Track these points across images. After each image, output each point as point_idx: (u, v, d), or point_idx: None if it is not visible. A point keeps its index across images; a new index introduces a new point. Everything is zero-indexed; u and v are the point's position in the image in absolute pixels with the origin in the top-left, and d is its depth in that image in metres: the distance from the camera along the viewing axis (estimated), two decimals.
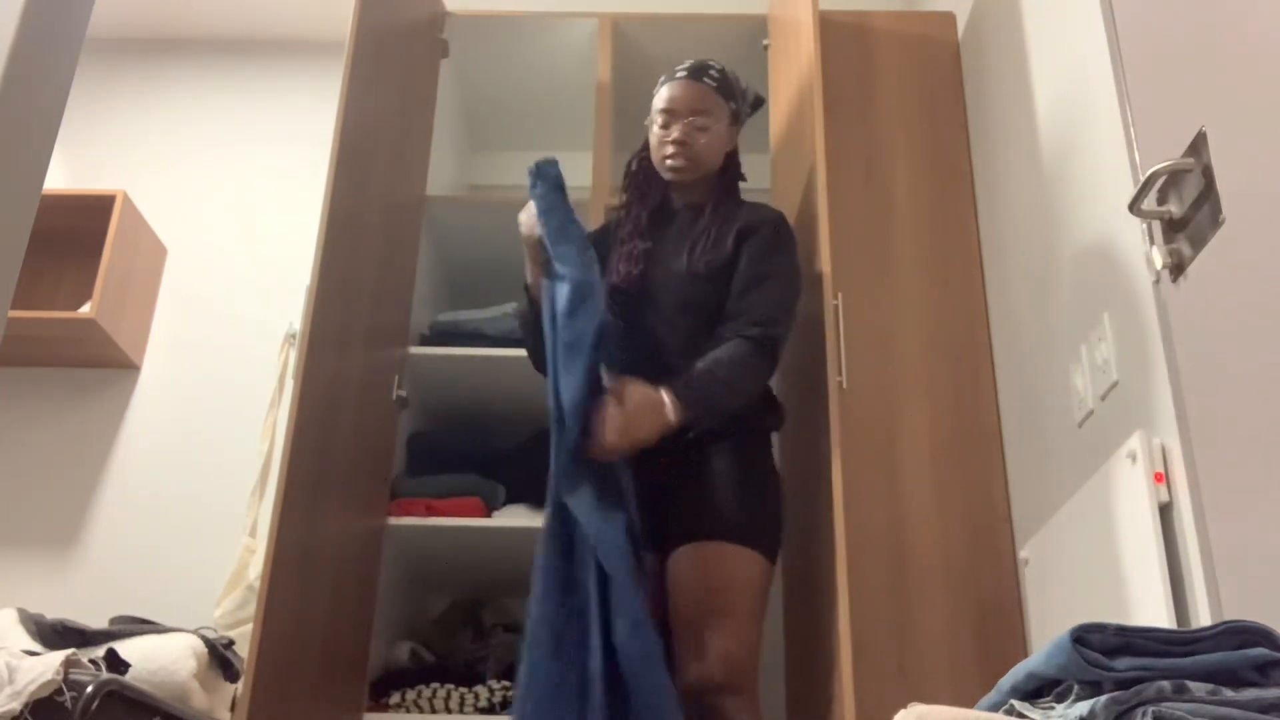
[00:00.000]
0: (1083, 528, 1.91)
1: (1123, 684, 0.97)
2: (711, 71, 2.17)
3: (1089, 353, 1.99)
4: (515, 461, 2.76)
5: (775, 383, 2.24)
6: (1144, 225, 1.66)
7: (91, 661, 2.02)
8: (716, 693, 1.84)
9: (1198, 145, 1.50)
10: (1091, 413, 1.98)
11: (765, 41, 2.96)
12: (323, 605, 2.23)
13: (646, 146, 2.23)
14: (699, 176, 2.15)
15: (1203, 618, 1.53)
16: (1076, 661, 0.99)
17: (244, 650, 2.14)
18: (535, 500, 2.64)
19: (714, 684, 1.84)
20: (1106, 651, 0.99)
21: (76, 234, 3.27)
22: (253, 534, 2.84)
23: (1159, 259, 1.59)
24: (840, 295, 2.10)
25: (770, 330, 2.00)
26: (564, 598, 1.82)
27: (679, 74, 2.18)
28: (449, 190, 3.19)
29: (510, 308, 2.85)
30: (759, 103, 2.28)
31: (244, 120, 3.64)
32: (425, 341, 2.81)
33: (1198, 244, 1.51)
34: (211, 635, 2.41)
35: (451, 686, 2.46)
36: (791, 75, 2.54)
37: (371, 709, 2.44)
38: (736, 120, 2.19)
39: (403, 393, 2.65)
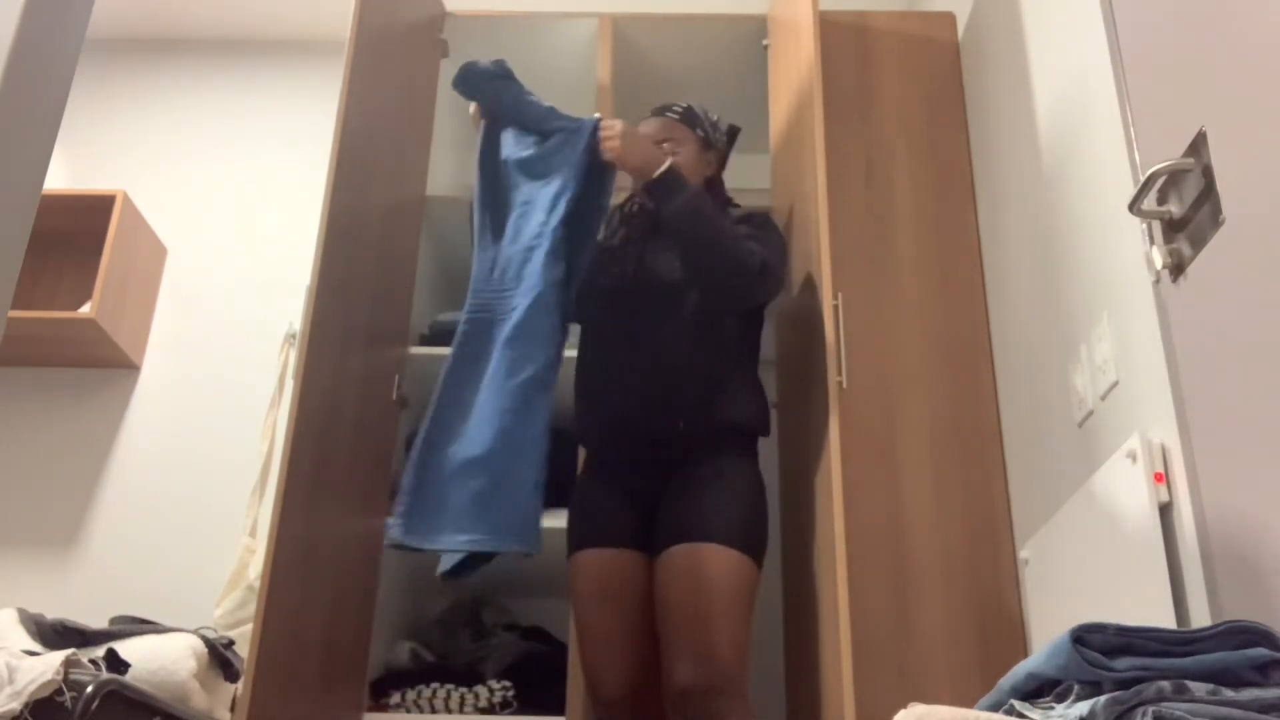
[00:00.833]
0: (1083, 528, 1.91)
1: (1123, 684, 0.97)
2: (675, 107, 2.30)
3: (1089, 353, 1.99)
4: None
5: (772, 386, 2.24)
6: (1144, 225, 1.66)
7: (91, 661, 2.02)
8: (706, 694, 1.84)
9: (1198, 145, 1.50)
10: (1091, 413, 1.98)
11: (765, 41, 2.96)
12: (323, 605, 2.23)
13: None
14: None
15: (1203, 618, 1.53)
16: (1076, 661, 0.99)
17: (244, 650, 2.14)
18: None
19: (703, 686, 1.84)
20: (1106, 651, 0.99)
21: (76, 234, 3.27)
22: (253, 534, 2.84)
23: (1159, 259, 1.59)
24: (840, 295, 2.10)
25: (766, 257, 2.04)
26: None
27: (645, 117, 2.30)
28: (449, 190, 3.19)
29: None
30: (734, 132, 2.37)
31: (244, 120, 3.64)
32: (425, 341, 2.81)
33: (1198, 244, 1.51)
34: (211, 635, 2.41)
35: (451, 686, 2.46)
36: (791, 75, 2.54)
37: (371, 709, 2.44)
38: (708, 145, 2.28)
39: (403, 393, 2.64)
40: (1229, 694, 0.95)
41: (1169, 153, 1.56)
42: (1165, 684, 0.95)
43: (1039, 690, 1.07)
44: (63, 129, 1.40)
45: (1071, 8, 2.13)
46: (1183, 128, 1.54)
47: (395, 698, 2.45)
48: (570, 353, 2.12)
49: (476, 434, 1.87)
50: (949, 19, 2.91)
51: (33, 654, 1.98)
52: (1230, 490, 1.47)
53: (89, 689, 1.86)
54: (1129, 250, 1.82)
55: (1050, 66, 2.26)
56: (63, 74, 1.34)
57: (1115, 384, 1.88)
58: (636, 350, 2.09)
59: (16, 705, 1.78)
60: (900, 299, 2.60)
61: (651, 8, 3.14)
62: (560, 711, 2.31)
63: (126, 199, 3.22)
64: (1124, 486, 1.74)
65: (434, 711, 2.43)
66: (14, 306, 1.28)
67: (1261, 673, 0.97)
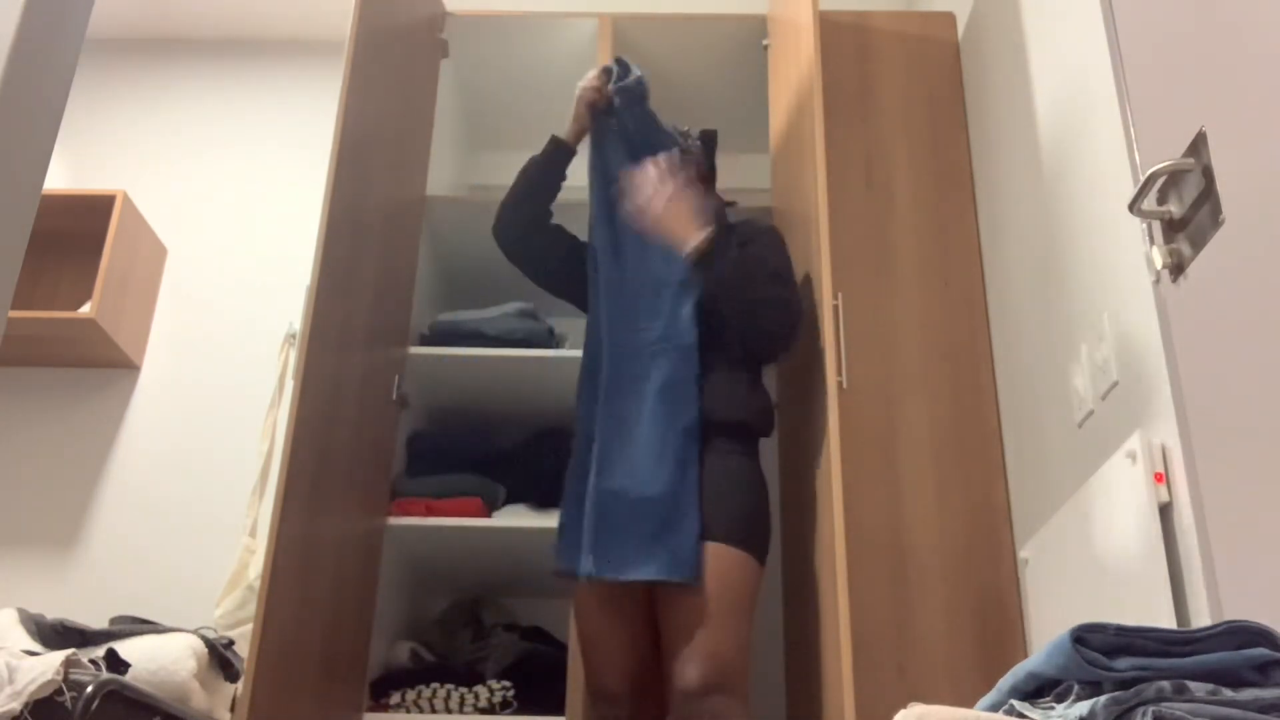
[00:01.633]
0: (1083, 527, 1.91)
1: (1123, 684, 0.97)
2: None
3: (1089, 353, 1.99)
4: (515, 461, 2.76)
5: (772, 386, 2.24)
6: (1144, 225, 1.66)
7: (91, 661, 2.02)
8: (706, 693, 1.84)
9: (1198, 145, 1.50)
10: (1091, 413, 1.98)
11: (765, 41, 2.96)
12: (323, 605, 2.23)
13: None
14: None
15: (1203, 618, 1.53)
16: (1076, 661, 0.99)
17: (244, 650, 2.14)
18: (535, 500, 2.65)
19: (704, 684, 1.84)
20: (1106, 651, 0.99)
21: (76, 234, 3.27)
22: (253, 534, 2.84)
23: (1159, 259, 1.59)
24: (840, 295, 2.10)
25: (797, 300, 2.09)
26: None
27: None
28: (449, 190, 3.19)
29: (510, 307, 2.85)
30: (708, 136, 2.38)
31: (244, 120, 3.64)
32: (425, 341, 2.81)
33: (1198, 244, 1.51)
34: (211, 635, 2.41)
35: (451, 686, 2.46)
36: (791, 75, 2.54)
37: (371, 709, 2.44)
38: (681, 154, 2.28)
39: (403, 392, 2.65)
40: (1229, 694, 0.95)
41: (1169, 153, 1.56)
42: (1165, 684, 0.95)
43: (1039, 690, 1.07)
44: (63, 129, 1.39)
45: (1071, 8, 2.13)
46: (1183, 128, 1.54)
47: (395, 698, 2.45)
48: (575, 352, 2.13)
49: (649, 475, 1.99)
50: (949, 19, 2.91)
51: (33, 654, 1.98)
52: (1230, 490, 1.47)
53: (89, 689, 1.86)
54: (1129, 250, 1.82)
55: (1050, 66, 2.26)
56: (63, 74, 1.34)
57: (1115, 384, 1.88)
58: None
59: (16, 705, 1.78)
60: (900, 299, 2.60)
61: (651, 8, 3.14)
62: (560, 711, 2.31)
63: (126, 199, 3.22)
64: (1124, 486, 1.74)
65: (434, 711, 2.43)
66: (14, 306, 1.28)
67: (1261, 673, 0.97)
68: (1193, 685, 0.95)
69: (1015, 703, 1.07)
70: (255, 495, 2.89)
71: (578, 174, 2.40)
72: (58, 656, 1.88)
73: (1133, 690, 0.95)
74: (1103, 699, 0.96)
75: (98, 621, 2.42)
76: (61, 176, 3.48)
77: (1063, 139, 2.17)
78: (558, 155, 2.35)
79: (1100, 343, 1.94)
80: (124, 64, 3.70)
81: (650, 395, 2.05)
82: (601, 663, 2.02)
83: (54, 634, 2.31)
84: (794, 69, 2.51)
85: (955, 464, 2.45)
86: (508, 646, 2.61)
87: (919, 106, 2.79)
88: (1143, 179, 1.57)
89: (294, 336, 3.01)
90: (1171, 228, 1.58)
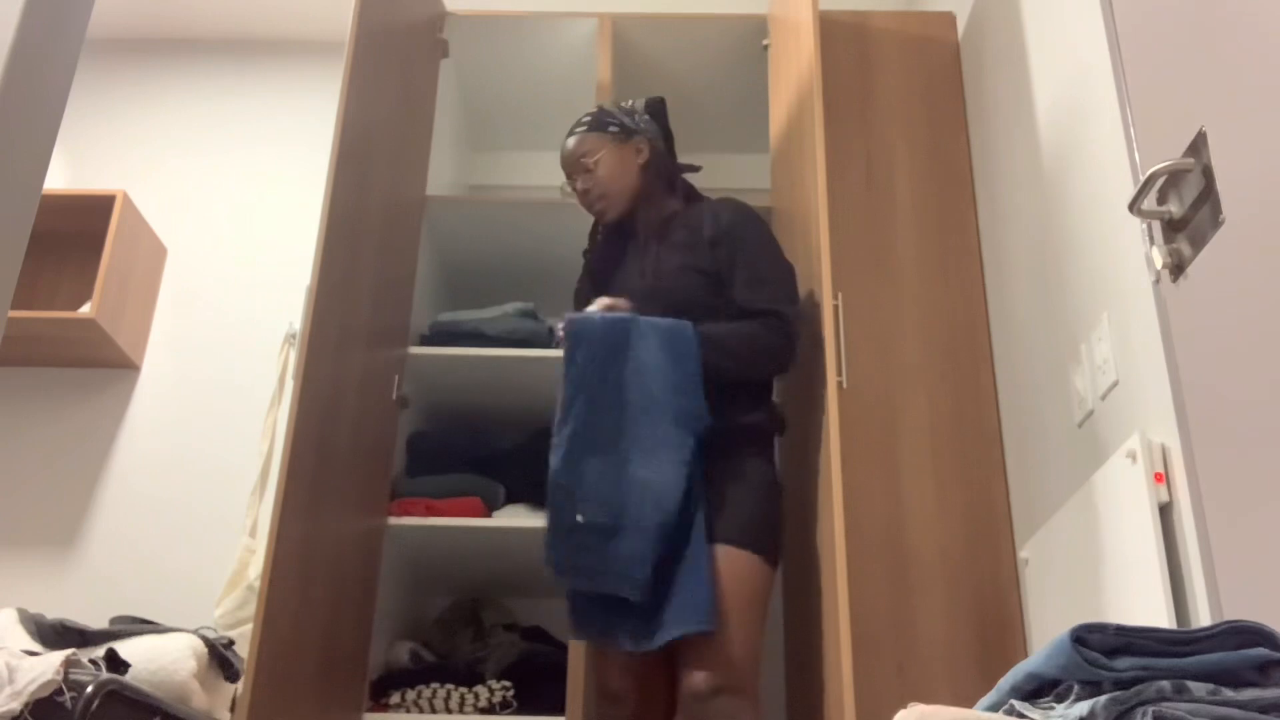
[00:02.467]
0: (1083, 528, 1.91)
1: (1123, 684, 0.97)
2: (583, 120, 2.28)
3: (1089, 353, 1.99)
4: (515, 461, 2.76)
5: (776, 386, 2.24)
6: (1144, 225, 1.66)
7: (91, 661, 2.02)
8: (717, 695, 1.84)
9: (1198, 145, 1.50)
10: (1091, 413, 1.98)
11: (765, 41, 2.96)
12: (323, 605, 2.23)
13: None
14: (626, 203, 2.23)
15: (1203, 618, 1.53)
16: (1076, 661, 0.99)
17: (244, 650, 2.14)
18: (535, 500, 2.65)
19: (715, 686, 1.84)
20: (1106, 651, 0.99)
21: (76, 234, 3.27)
22: (253, 534, 2.84)
23: (1159, 259, 1.59)
24: (840, 295, 2.10)
25: (788, 321, 2.06)
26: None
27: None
28: (449, 190, 3.19)
29: (510, 307, 2.85)
30: (654, 104, 2.34)
31: (244, 120, 3.63)
32: (425, 341, 2.81)
33: (1198, 244, 1.51)
34: (211, 635, 2.41)
35: (451, 686, 2.46)
36: (791, 75, 2.54)
37: (371, 709, 2.44)
38: (628, 134, 2.25)
39: (403, 393, 2.64)
40: (1229, 694, 0.95)
41: (1169, 153, 1.56)
42: (1165, 684, 0.95)
43: (1039, 690, 1.07)
44: (63, 129, 1.39)
45: (1071, 8, 2.13)
46: (1183, 128, 1.54)
47: (395, 698, 2.45)
48: None
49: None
50: (949, 19, 2.91)
51: (33, 654, 1.98)
52: (1230, 490, 1.47)
53: (89, 689, 1.86)
54: (1129, 250, 1.82)
55: (1050, 66, 2.26)
56: (63, 74, 1.34)
57: (1115, 384, 1.88)
58: None
59: (16, 705, 1.78)
60: (900, 299, 2.60)
61: (651, 8, 3.14)
62: (560, 711, 2.31)
63: (126, 199, 3.22)
64: (1124, 486, 1.74)
65: (434, 711, 2.43)
66: (14, 306, 1.28)
67: (1261, 673, 0.97)
68: (1193, 685, 0.95)
69: (1015, 703, 1.07)
70: (255, 495, 2.89)
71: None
72: (58, 656, 1.88)
73: (1133, 690, 0.95)
74: (1103, 699, 0.96)
75: (98, 621, 2.41)
76: (61, 176, 3.48)
77: (1063, 139, 2.17)
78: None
79: (1100, 343, 1.94)
80: (124, 64, 3.70)
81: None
82: (607, 662, 2.02)
83: (54, 634, 2.31)
84: (794, 69, 2.51)
85: (955, 464, 2.45)
86: (508, 646, 2.61)
87: (919, 106, 2.79)
88: (1143, 179, 1.57)
89: (294, 336, 3.01)
90: (1171, 228, 1.58)
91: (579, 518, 1.92)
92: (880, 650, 2.29)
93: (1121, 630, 1.00)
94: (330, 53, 3.57)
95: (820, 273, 2.09)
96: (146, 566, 3.03)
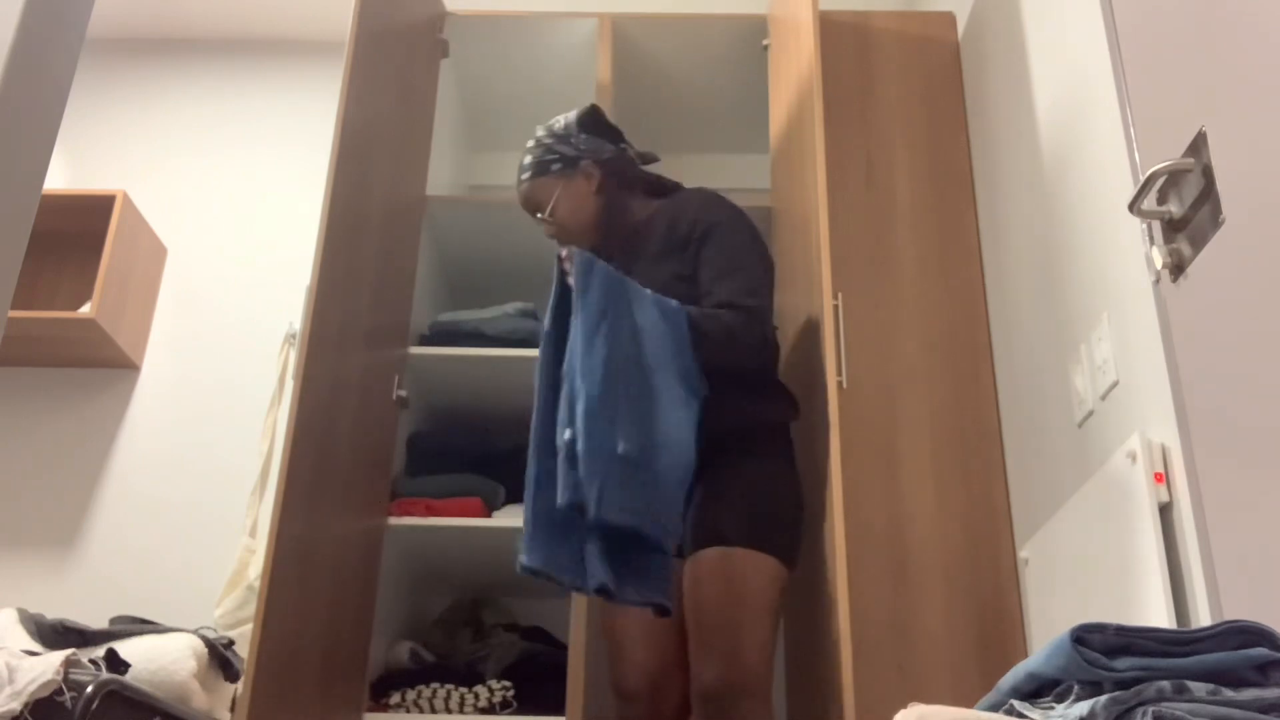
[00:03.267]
0: (1083, 528, 1.91)
1: (1123, 684, 0.97)
2: (524, 164, 2.21)
3: (1089, 353, 1.99)
4: (515, 461, 2.76)
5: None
6: (1144, 225, 1.66)
7: (91, 661, 2.02)
8: (728, 696, 1.84)
9: (1198, 145, 1.50)
10: (1091, 413, 1.98)
11: (765, 41, 2.96)
12: (323, 605, 2.23)
13: None
14: (594, 231, 2.19)
15: (1203, 618, 1.53)
16: (1076, 662, 0.99)
17: (244, 650, 2.14)
18: None
19: (726, 687, 1.84)
20: (1106, 652, 0.99)
21: (76, 234, 3.27)
22: (253, 534, 2.84)
23: (1159, 259, 1.59)
24: (840, 295, 2.10)
25: (755, 314, 2.00)
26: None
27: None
28: (449, 190, 3.19)
29: (510, 307, 2.85)
30: (588, 115, 2.24)
31: (244, 120, 3.64)
32: (425, 341, 2.81)
33: (1198, 244, 1.51)
34: (211, 635, 2.41)
35: (451, 686, 2.46)
36: (791, 75, 2.54)
37: (371, 709, 2.44)
38: (572, 166, 2.18)
39: (403, 393, 2.65)
40: (1229, 694, 0.95)
41: (1169, 153, 1.56)
42: (1165, 684, 0.95)
43: (1039, 690, 1.07)
44: (63, 129, 1.39)
45: (1071, 8, 2.13)
46: (1183, 128, 1.54)
47: (395, 698, 2.45)
48: None
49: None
50: (949, 19, 2.91)
51: (33, 654, 1.98)
52: (1230, 490, 1.47)
53: (89, 689, 1.86)
54: (1129, 250, 1.82)
55: (1050, 66, 2.26)
56: (63, 74, 1.34)
57: (1115, 384, 1.88)
58: None
59: (16, 705, 1.78)
60: (900, 299, 2.60)
61: (651, 8, 3.14)
62: (560, 711, 2.31)
63: (126, 199, 3.22)
64: (1124, 486, 1.74)
65: (434, 711, 2.43)
66: (14, 306, 1.28)
67: (1261, 673, 0.97)
68: (1193, 685, 0.95)
69: (1015, 703, 1.07)
70: (255, 495, 2.89)
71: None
72: (58, 656, 1.88)
73: (1133, 690, 0.95)
74: (1103, 699, 0.96)
75: (98, 621, 2.42)
76: (61, 176, 3.48)
77: (1063, 139, 2.17)
78: None
79: (1100, 343, 1.94)
80: (124, 64, 3.70)
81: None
82: (621, 662, 2.02)
83: (54, 634, 2.31)
84: (794, 69, 2.51)
85: (955, 464, 2.45)
86: (508, 646, 2.61)
87: (919, 106, 2.79)
88: (1143, 179, 1.57)
89: (294, 336, 3.01)
90: (1171, 228, 1.58)
91: (619, 448, 1.77)
92: (880, 650, 2.29)
93: (1121, 630, 1.00)
94: (330, 53, 3.57)
95: (820, 273, 2.09)
96: (146, 566, 3.03)
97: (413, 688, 2.46)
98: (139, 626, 2.39)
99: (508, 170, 3.17)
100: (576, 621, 2.35)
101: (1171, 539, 1.64)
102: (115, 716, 1.92)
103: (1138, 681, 0.96)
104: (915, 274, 2.63)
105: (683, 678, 1.97)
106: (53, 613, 2.40)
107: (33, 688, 1.81)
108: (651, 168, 2.32)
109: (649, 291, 1.97)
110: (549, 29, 3.09)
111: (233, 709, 2.39)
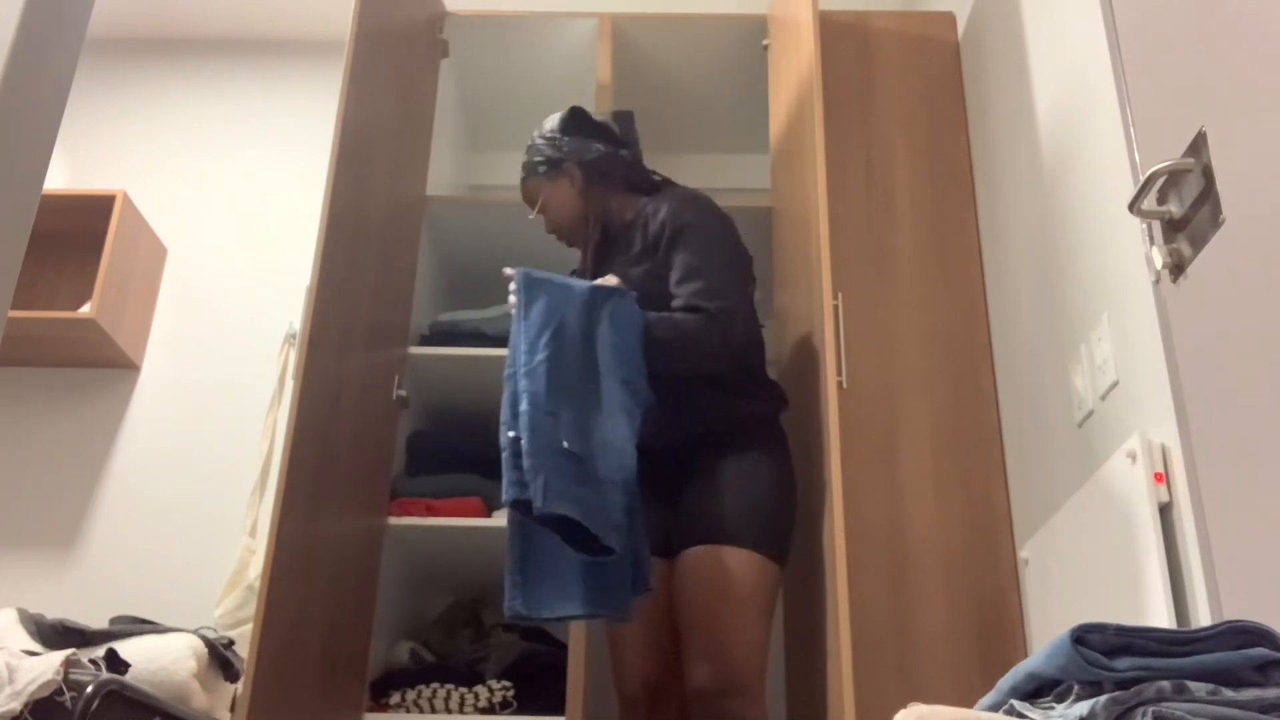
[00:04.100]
0: (1083, 528, 1.91)
1: (1123, 684, 0.97)
2: (524, 162, 2.30)
3: (1089, 353, 1.99)
4: None
5: (772, 373, 2.24)
6: (1144, 225, 1.66)
7: (91, 661, 2.02)
8: (721, 695, 1.84)
9: (1198, 145, 1.50)
10: (1091, 413, 1.98)
11: (765, 41, 2.96)
12: (323, 605, 2.23)
13: None
14: (580, 229, 2.26)
15: (1203, 618, 1.53)
16: (1076, 661, 0.99)
17: (244, 650, 2.14)
18: None
19: (718, 687, 1.84)
20: (1107, 651, 0.99)
21: (76, 234, 3.26)
22: (253, 534, 2.84)
23: (1159, 259, 1.59)
24: (840, 295, 2.10)
25: (714, 316, 2.00)
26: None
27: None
28: (449, 190, 3.19)
29: (510, 307, 2.84)
30: (570, 116, 2.29)
31: (244, 120, 3.63)
32: (425, 341, 2.81)
33: (1198, 244, 1.51)
34: (211, 635, 2.41)
35: (451, 686, 2.46)
36: (791, 75, 2.54)
37: (371, 709, 2.44)
38: (556, 168, 2.24)
39: (403, 393, 2.64)
40: (1229, 694, 0.95)
41: (1169, 153, 1.56)
42: (1165, 684, 0.95)
43: (1039, 690, 1.07)
44: (63, 129, 1.39)
45: (1071, 8, 2.13)
46: (1183, 128, 1.54)
47: (395, 698, 2.45)
48: None
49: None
50: (949, 19, 2.91)
51: (33, 654, 1.98)
52: (1230, 490, 1.47)
53: (89, 689, 1.86)
54: (1129, 250, 1.82)
55: (1050, 66, 2.26)
56: (63, 74, 1.34)
57: (1115, 384, 1.88)
58: None
59: (16, 705, 1.78)
60: (900, 299, 2.60)
61: (651, 8, 3.14)
62: (560, 711, 2.31)
63: (126, 199, 3.22)
64: (1124, 486, 1.74)
65: (434, 711, 2.43)
66: (14, 306, 1.28)
67: (1261, 673, 0.97)
68: (1193, 685, 0.95)
69: (1015, 703, 1.07)
70: (255, 495, 2.89)
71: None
72: (58, 656, 1.88)
73: (1133, 690, 0.95)
74: (1103, 699, 0.96)
75: (98, 621, 2.41)
76: (61, 176, 3.48)
77: (1063, 139, 2.17)
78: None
79: (1100, 343, 1.94)
80: (124, 64, 3.69)
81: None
82: (623, 667, 2.03)
83: (54, 634, 2.31)
84: (794, 69, 2.51)
85: (955, 464, 2.45)
86: (508, 646, 2.61)
87: (919, 106, 2.79)
88: (1143, 179, 1.57)
89: (294, 336, 3.01)
90: (1171, 228, 1.58)
91: (564, 444, 1.80)
92: (880, 650, 2.29)
93: (1121, 630, 1.00)
94: (330, 53, 3.56)
95: (820, 273, 2.09)
96: (146, 566, 3.02)
97: (413, 688, 2.46)
98: (139, 626, 2.39)
99: (508, 170, 3.15)
100: (576, 622, 2.35)
101: (1171, 539, 1.64)
102: (115, 716, 1.92)
103: (1138, 681, 0.96)
104: (915, 274, 2.62)
105: (683, 684, 1.97)
106: (53, 613, 2.40)
107: (33, 688, 1.81)
108: (651, 168, 2.33)
109: (614, 295, 1.99)
110: (549, 29, 3.09)
111: (233, 709, 2.39)
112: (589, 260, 2.26)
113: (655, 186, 2.28)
